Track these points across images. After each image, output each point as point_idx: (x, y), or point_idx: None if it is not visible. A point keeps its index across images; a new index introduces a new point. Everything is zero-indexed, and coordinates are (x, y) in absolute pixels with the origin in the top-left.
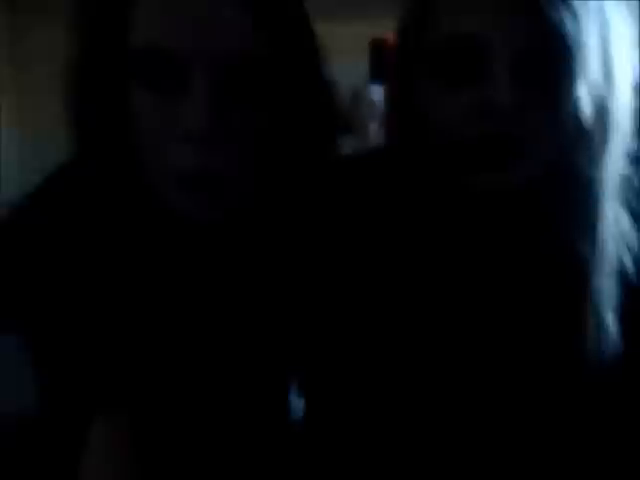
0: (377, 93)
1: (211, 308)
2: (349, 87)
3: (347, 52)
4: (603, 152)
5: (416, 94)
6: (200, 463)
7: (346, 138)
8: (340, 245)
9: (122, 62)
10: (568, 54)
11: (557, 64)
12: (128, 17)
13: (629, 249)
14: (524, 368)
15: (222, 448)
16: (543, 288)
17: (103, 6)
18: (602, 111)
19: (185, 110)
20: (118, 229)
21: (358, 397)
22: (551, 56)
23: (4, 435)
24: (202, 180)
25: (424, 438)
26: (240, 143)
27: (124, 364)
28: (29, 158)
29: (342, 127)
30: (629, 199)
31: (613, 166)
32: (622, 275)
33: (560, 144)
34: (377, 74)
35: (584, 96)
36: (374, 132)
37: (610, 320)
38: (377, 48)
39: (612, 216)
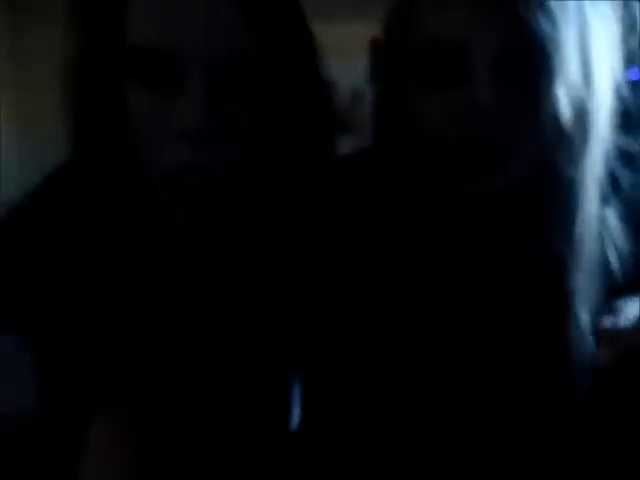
0: None
1: (210, 308)
2: (349, 87)
3: (347, 52)
4: (583, 153)
5: (401, 94)
6: (200, 463)
7: (345, 138)
8: (334, 244)
9: (118, 61)
10: (545, 55)
11: (535, 65)
12: (124, 16)
13: (615, 249)
14: (508, 367)
15: (222, 448)
16: (525, 288)
17: (99, 5)
18: (581, 112)
19: (181, 109)
20: (116, 229)
21: (354, 397)
22: (529, 57)
23: (4, 435)
24: (197, 179)
25: (416, 437)
26: (236, 142)
27: (124, 364)
28: (28, 155)
29: (341, 127)
30: (616, 199)
31: (593, 166)
32: (606, 275)
33: (541, 145)
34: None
35: (562, 97)
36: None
37: (587, 319)
38: (377, 48)
39: (592, 216)
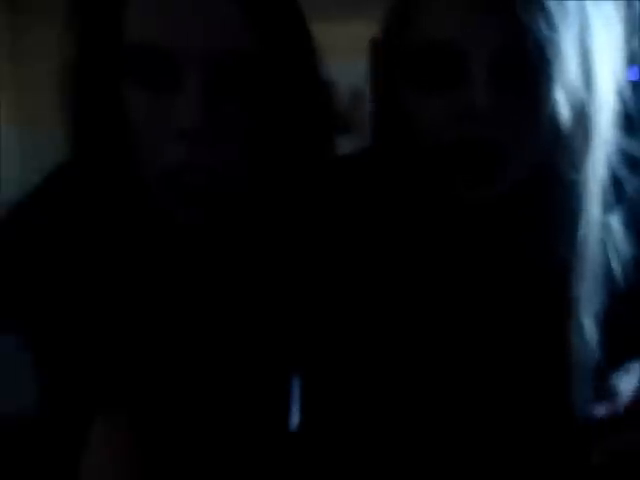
0: None
1: (210, 307)
2: (349, 87)
3: (347, 52)
4: (585, 156)
5: (399, 96)
6: (200, 462)
7: (345, 138)
8: (333, 244)
9: (116, 60)
10: (543, 57)
11: (533, 67)
12: (122, 16)
13: (617, 254)
14: (509, 373)
15: (222, 447)
16: (527, 293)
17: (97, 5)
18: (582, 114)
19: (178, 108)
20: (116, 229)
21: (353, 397)
22: (527, 59)
23: (4, 435)
24: (195, 178)
25: (416, 437)
26: (234, 141)
27: (124, 364)
28: (28, 155)
29: (341, 127)
30: (619, 203)
31: (595, 170)
32: (608, 280)
33: (541, 148)
34: None
35: (562, 99)
36: None
37: (590, 325)
38: (375, 48)
39: (594, 220)
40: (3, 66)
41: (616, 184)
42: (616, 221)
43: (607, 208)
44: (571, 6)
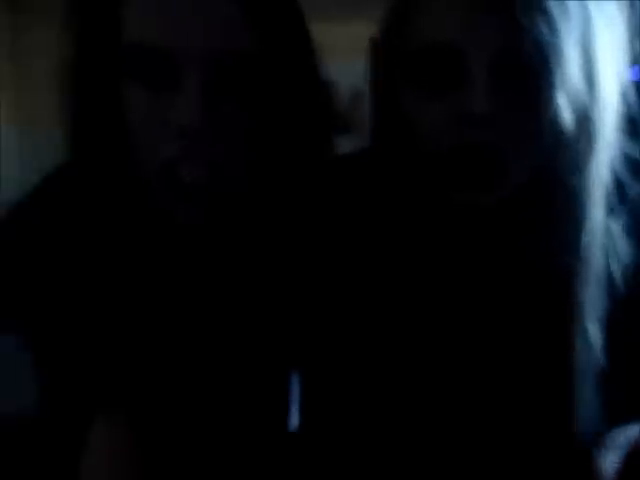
0: None
1: (209, 307)
2: (349, 87)
3: (347, 52)
4: (587, 159)
5: (398, 98)
6: (199, 462)
7: (345, 138)
8: (333, 244)
9: (115, 60)
10: (544, 59)
11: (534, 70)
12: (120, 15)
13: (618, 258)
14: (512, 378)
15: (221, 447)
16: (529, 299)
17: (96, 5)
18: (584, 118)
19: (178, 107)
20: (115, 229)
21: (353, 397)
22: (527, 61)
23: (4, 435)
24: (194, 178)
25: (416, 437)
26: (233, 141)
27: (124, 363)
28: (28, 155)
29: (341, 127)
30: (621, 207)
31: (598, 173)
32: (609, 285)
33: (542, 152)
34: None
35: (564, 103)
36: None
37: (594, 330)
38: (375, 49)
39: (598, 225)
40: (3, 66)
41: (618, 187)
42: (617, 224)
43: (609, 211)
44: (573, 7)
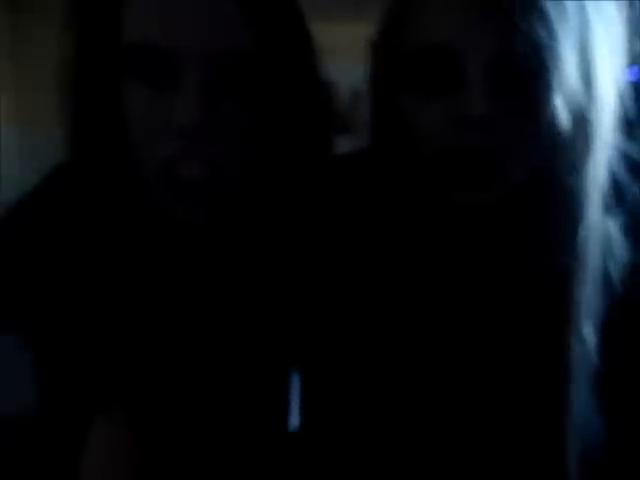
0: None
1: (209, 307)
2: (349, 87)
3: (347, 52)
4: (585, 160)
5: (396, 100)
6: (199, 462)
7: (345, 138)
8: (332, 243)
9: (115, 60)
10: (540, 63)
11: (531, 73)
12: (121, 15)
13: (615, 258)
14: (507, 378)
15: (221, 447)
16: (525, 297)
17: (96, 4)
18: (582, 120)
19: (177, 106)
20: (114, 228)
21: (353, 398)
22: (524, 65)
23: (4, 435)
24: (194, 176)
25: (416, 437)
26: (232, 140)
27: (123, 363)
28: (28, 155)
29: (341, 127)
30: (618, 207)
31: (596, 174)
32: (606, 285)
33: (540, 153)
34: None
35: (561, 105)
36: None
37: (590, 330)
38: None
39: (595, 225)
40: (3, 66)
41: (615, 187)
42: (615, 224)
43: (606, 211)
44: (571, 9)
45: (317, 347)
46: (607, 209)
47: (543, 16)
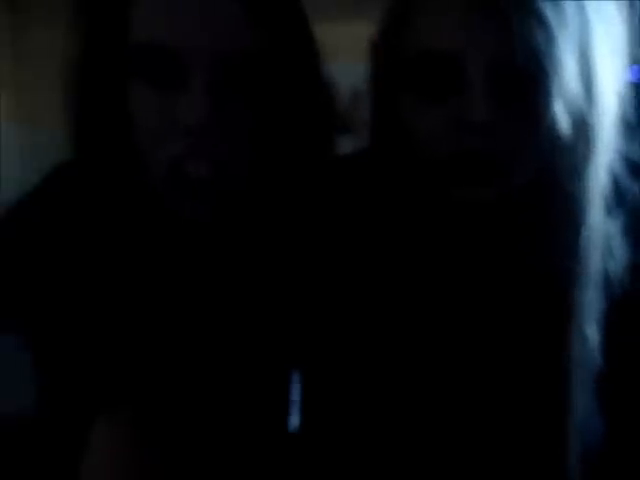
0: None
1: (211, 306)
2: (349, 87)
3: (347, 52)
4: (586, 163)
5: (396, 103)
6: (200, 462)
7: (345, 138)
8: (333, 243)
9: (121, 60)
10: (540, 67)
11: (531, 77)
12: (127, 15)
13: (616, 260)
14: (508, 378)
15: (222, 447)
16: (528, 299)
17: (102, 4)
18: (582, 123)
19: (183, 106)
20: (117, 228)
21: (353, 398)
22: (524, 69)
23: (4, 435)
24: (199, 176)
25: (416, 438)
26: (237, 140)
27: (125, 363)
28: (29, 154)
29: (341, 127)
30: (619, 209)
31: (597, 177)
32: (607, 287)
33: (541, 156)
34: None
35: (561, 109)
36: None
37: (592, 332)
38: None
39: (596, 226)
40: (3, 65)
41: (616, 189)
42: (616, 226)
43: (607, 213)
44: (570, 12)
45: (318, 347)
46: (608, 211)
47: (543, 21)
